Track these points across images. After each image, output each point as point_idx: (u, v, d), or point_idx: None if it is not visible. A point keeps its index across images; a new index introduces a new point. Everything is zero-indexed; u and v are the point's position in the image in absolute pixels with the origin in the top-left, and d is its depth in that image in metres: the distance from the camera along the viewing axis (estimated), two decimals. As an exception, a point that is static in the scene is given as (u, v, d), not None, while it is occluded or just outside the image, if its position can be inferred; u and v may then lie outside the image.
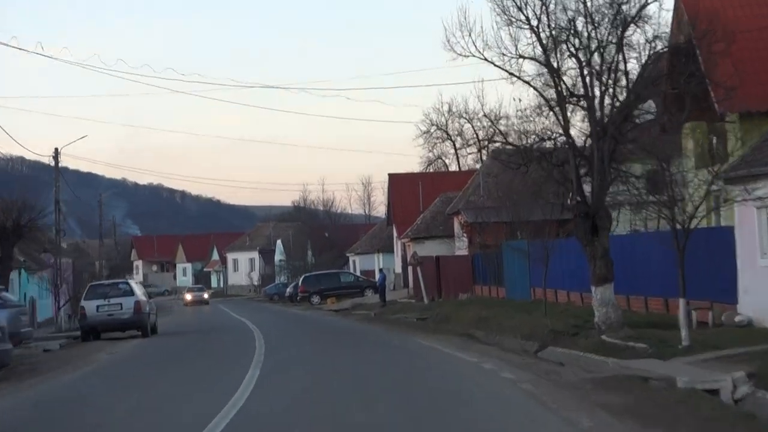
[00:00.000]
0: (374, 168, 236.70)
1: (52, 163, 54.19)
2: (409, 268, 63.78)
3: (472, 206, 55.77)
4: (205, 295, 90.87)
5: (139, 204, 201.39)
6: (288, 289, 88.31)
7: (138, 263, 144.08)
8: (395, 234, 71.70)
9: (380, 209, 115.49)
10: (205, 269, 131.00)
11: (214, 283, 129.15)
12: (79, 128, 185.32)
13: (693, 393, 14.64)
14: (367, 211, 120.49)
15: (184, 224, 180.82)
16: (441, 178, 71.81)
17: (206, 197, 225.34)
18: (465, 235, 56.02)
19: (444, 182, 69.25)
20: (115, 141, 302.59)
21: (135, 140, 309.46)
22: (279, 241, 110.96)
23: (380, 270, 57.35)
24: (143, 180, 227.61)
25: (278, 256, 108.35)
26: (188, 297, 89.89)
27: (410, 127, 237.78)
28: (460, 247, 57.80)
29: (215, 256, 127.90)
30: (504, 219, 50.16)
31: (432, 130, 79.26)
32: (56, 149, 54.44)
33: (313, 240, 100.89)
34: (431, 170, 78.82)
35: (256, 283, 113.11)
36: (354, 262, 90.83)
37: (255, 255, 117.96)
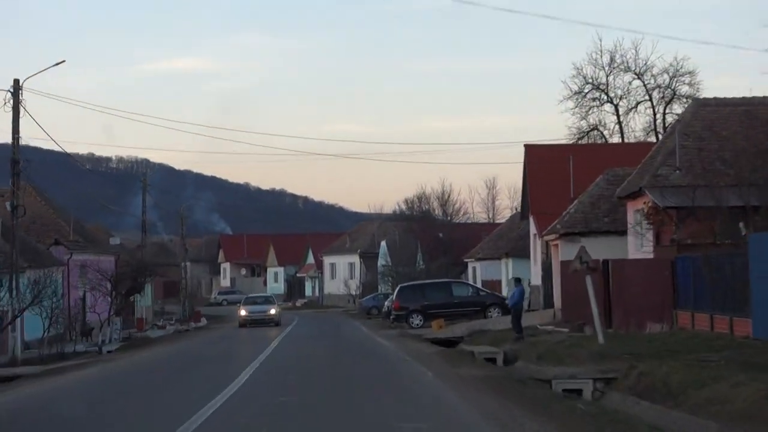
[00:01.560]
0: (502, 164, 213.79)
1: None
2: (555, 281, 42.99)
3: (663, 183, 34.76)
4: (273, 311, 59.88)
5: (263, 209, 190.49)
6: (387, 303, 68.30)
7: (225, 266, 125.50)
8: (532, 230, 50.89)
9: (506, 215, 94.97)
10: (298, 274, 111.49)
11: (308, 291, 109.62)
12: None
13: None
14: (490, 216, 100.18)
15: (297, 228, 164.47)
16: (600, 152, 50.89)
17: (328, 203, 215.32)
18: (651, 226, 34.95)
19: (604, 157, 48.40)
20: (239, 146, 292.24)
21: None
22: (383, 243, 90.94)
23: (516, 280, 36.26)
24: (266, 185, 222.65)
25: (382, 260, 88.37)
26: (243, 312, 59.81)
27: (555, 87, 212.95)
28: (639, 246, 36.88)
29: (310, 259, 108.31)
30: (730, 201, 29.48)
31: (586, 90, 58.10)
32: (16, 81, 35.05)
33: (423, 241, 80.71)
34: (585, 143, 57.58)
35: (354, 293, 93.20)
36: (474, 269, 70.43)
37: (355, 259, 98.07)
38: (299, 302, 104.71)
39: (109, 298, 49.14)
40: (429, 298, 47.90)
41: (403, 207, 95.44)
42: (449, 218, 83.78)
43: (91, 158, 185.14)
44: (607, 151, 51.40)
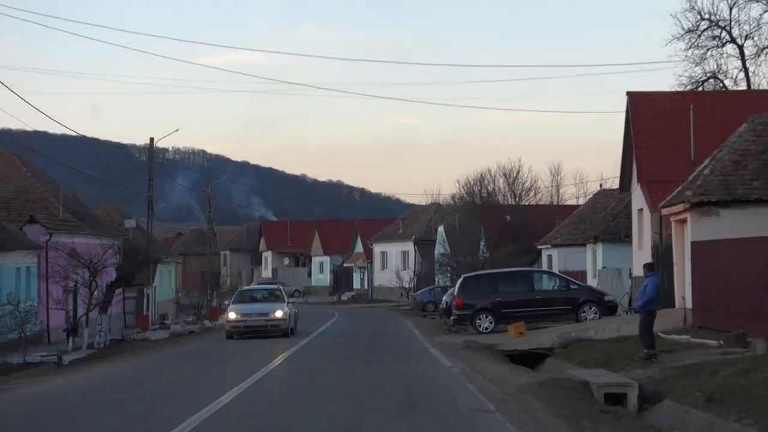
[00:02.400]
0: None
1: None
2: (680, 271, 31.00)
3: None
4: (279, 312, 38.45)
5: (319, 200, 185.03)
6: (445, 298, 56.84)
7: (267, 255, 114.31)
8: (637, 204, 38.87)
9: (571, 203, 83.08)
10: (345, 264, 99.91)
11: (356, 283, 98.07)
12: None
13: None
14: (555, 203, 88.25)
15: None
16: (726, 102, 38.78)
17: (386, 195, 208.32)
18: None
19: (731, 107, 36.48)
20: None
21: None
22: (441, 228, 79.32)
23: (648, 267, 23.90)
24: (323, 176, 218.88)
25: (439, 248, 76.78)
26: (232, 316, 38.79)
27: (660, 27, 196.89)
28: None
29: (359, 247, 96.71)
30: None
31: (702, 27, 45.88)
32: None
33: (488, 226, 68.86)
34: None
35: (407, 285, 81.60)
36: (549, 258, 58.56)
37: (409, 247, 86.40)
38: (346, 295, 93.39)
39: (88, 290, 37.99)
40: (502, 292, 35.92)
41: (465, 188, 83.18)
42: (518, 199, 71.83)
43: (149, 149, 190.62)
44: (734, 100, 39.29)
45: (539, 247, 60.08)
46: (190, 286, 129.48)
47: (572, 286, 36.39)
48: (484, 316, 35.34)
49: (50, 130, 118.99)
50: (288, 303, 40.36)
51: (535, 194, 71.93)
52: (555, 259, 56.80)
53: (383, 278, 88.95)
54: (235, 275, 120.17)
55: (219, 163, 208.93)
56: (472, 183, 78.85)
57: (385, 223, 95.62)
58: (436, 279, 77.15)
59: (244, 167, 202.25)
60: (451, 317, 36.89)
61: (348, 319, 56.59)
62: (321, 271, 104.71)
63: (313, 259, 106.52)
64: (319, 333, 40.72)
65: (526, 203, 71.61)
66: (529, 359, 28.40)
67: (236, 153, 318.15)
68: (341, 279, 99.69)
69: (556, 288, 36.52)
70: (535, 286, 36.18)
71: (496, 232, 67.58)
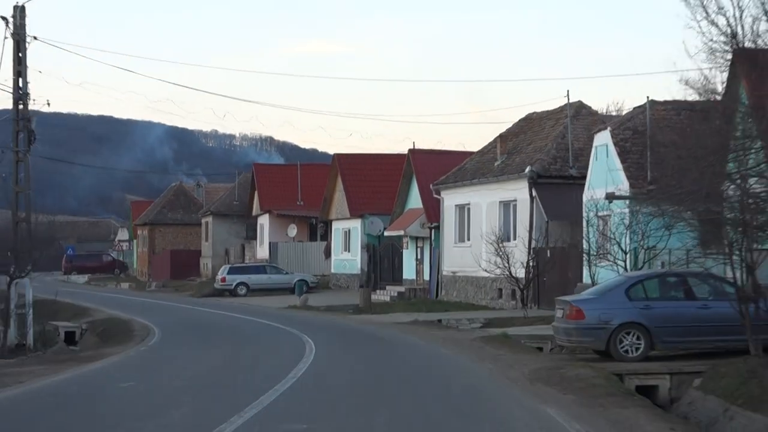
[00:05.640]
0: None
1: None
2: None
3: None
4: None
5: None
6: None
7: (263, 221, 68.42)
8: None
9: None
10: (387, 232, 53.00)
11: (408, 270, 51.06)
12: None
13: None
14: None
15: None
16: None
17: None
18: None
19: None
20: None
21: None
22: (605, 136, 33.18)
23: None
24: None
25: (596, 187, 30.42)
26: None
27: None
28: None
29: (414, 200, 50.29)
30: None
31: None
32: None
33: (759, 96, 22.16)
34: None
35: (516, 274, 35.62)
36: None
37: (519, 192, 39.82)
38: (387, 293, 47.26)
39: None
40: None
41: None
42: None
43: (215, 135, 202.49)
44: None
45: None
46: (157, 273, 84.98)
47: None
48: None
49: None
50: None
51: None
52: None
53: (463, 259, 42.79)
54: (220, 256, 74.79)
55: (287, 150, 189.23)
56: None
57: (463, 157, 49.19)
58: (589, 261, 31.30)
59: (312, 154, 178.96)
60: None
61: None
62: (346, 246, 58.06)
63: (333, 224, 60.13)
64: None
65: None
66: None
67: (303, 141, 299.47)
68: (381, 260, 53.50)
69: None
70: None
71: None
